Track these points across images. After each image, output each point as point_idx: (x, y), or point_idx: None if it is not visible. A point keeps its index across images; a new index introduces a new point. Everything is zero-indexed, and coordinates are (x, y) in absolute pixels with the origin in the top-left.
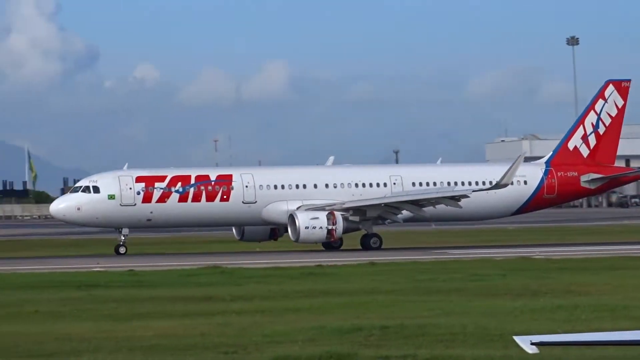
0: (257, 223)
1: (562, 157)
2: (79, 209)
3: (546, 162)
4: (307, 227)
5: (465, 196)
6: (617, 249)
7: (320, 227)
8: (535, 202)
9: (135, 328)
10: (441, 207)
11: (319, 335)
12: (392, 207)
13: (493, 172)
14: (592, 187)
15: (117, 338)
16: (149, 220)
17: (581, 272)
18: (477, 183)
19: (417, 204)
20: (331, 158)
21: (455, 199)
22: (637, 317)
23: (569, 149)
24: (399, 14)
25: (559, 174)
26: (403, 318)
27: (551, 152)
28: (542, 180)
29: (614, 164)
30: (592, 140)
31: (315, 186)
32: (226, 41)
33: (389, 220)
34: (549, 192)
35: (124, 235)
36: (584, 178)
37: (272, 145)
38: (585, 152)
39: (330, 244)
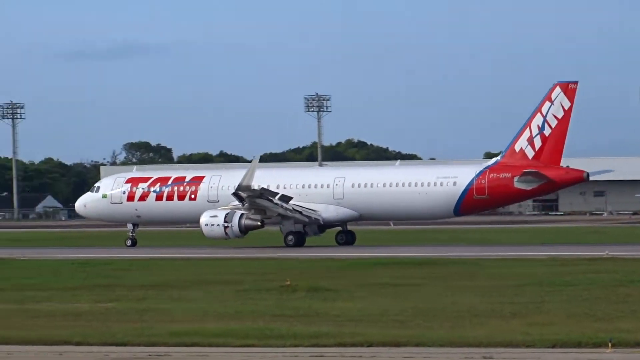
0: None
1: (508, 159)
2: (85, 206)
3: (491, 164)
4: (207, 225)
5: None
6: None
7: (218, 225)
8: (467, 204)
9: None
10: (381, 208)
11: None
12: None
13: (430, 173)
14: (528, 188)
15: None
16: (138, 217)
17: None
18: (415, 184)
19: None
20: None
21: (282, 199)
22: None
23: (515, 151)
24: None
25: (491, 175)
26: None
27: (501, 154)
28: (471, 181)
29: (559, 165)
30: (538, 142)
31: (268, 186)
32: None
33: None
34: (478, 193)
35: (130, 230)
36: (517, 179)
37: None
38: (530, 153)
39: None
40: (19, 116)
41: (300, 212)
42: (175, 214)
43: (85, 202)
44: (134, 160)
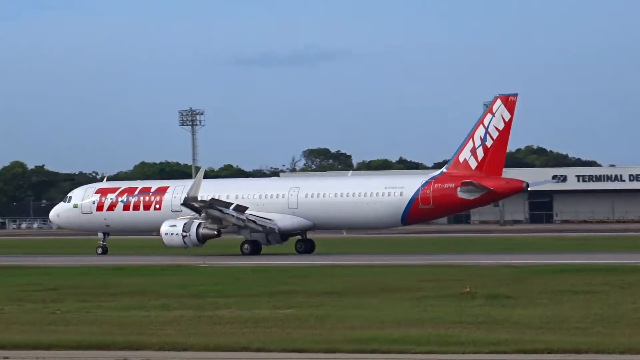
0: None
1: (452, 169)
2: (58, 215)
3: (436, 175)
4: (166, 234)
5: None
6: None
7: (177, 234)
8: (414, 213)
9: None
10: (332, 217)
11: None
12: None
13: (380, 183)
14: (471, 197)
15: None
16: (107, 226)
17: None
18: (364, 194)
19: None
20: None
21: (240, 210)
22: None
23: (459, 162)
24: None
25: (436, 185)
26: None
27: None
28: (417, 191)
29: (500, 175)
30: (480, 153)
31: (228, 197)
32: None
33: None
34: (423, 202)
35: (100, 239)
36: (460, 189)
37: None
38: (473, 164)
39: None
40: (198, 123)
41: (255, 222)
42: (142, 223)
43: (58, 212)
44: (313, 166)
